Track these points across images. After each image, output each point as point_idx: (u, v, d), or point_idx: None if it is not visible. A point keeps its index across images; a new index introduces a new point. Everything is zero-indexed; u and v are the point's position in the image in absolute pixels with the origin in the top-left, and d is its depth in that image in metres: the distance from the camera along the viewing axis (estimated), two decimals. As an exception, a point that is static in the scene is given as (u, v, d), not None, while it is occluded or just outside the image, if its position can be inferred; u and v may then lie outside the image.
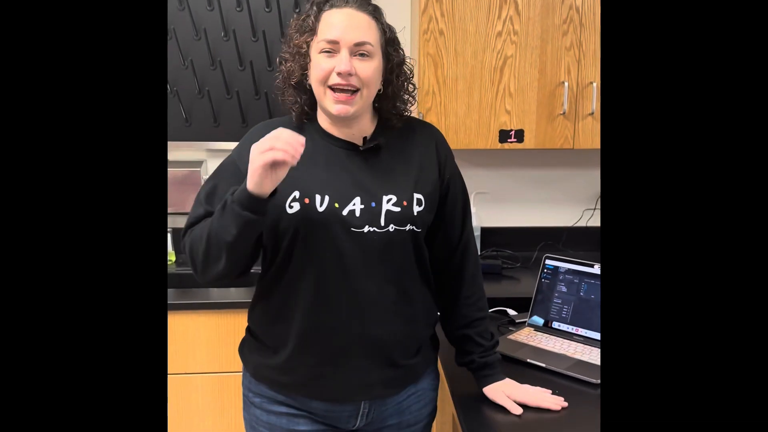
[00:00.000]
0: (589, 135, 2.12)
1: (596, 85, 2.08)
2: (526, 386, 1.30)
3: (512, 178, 2.50)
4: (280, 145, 0.99)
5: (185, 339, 1.98)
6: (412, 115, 1.32)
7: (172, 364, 2.00)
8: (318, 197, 1.14)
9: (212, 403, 2.03)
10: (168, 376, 2.00)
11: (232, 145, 2.25)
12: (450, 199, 1.28)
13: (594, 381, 1.37)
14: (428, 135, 1.28)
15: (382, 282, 1.18)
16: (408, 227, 1.18)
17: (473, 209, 2.42)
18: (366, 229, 1.15)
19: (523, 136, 2.11)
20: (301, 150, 1.02)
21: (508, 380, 1.31)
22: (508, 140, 2.11)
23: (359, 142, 1.21)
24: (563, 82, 2.07)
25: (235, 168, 1.19)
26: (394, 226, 1.16)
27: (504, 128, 2.10)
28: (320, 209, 1.14)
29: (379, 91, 1.20)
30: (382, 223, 1.16)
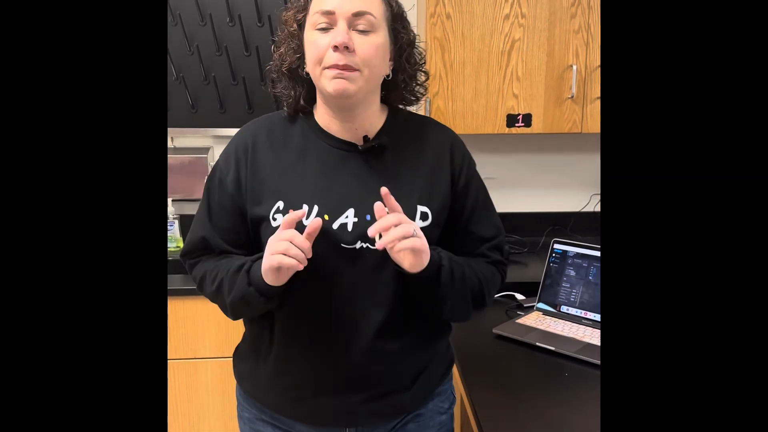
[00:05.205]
0: (598, 119, 2.10)
1: (605, 69, 2.06)
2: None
3: (520, 162, 2.48)
4: (293, 252, 0.92)
5: (193, 324, 1.99)
6: (421, 104, 1.21)
7: (180, 349, 2.01)
8: (305, 208, 1.01)
9: (220, 389, 2.04)
10: (176, 361, 2.01)
11: (238, 131, 2.27)
12: (466, 211, 1.11)
13: (603, 364, 1.37)
14: (443, 137, 1.12)
15: (372, 306, 1.03)
16: None
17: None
18: (358, 245, 1.01)
19: (530, 120, 2.10)
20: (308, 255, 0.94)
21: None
22: (516, 125, 2.10)
23: (361, 142, 1.06)
24: (571, 66, 2.05)
25: (220, 176, 1.09)
26: None
27: (511, 113, 2.09)
28: (306, 222, 0.99)
29: (387, 76, 1.05)
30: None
